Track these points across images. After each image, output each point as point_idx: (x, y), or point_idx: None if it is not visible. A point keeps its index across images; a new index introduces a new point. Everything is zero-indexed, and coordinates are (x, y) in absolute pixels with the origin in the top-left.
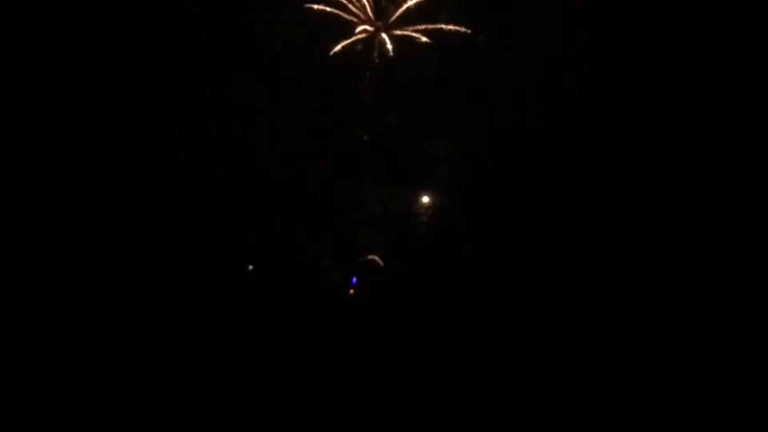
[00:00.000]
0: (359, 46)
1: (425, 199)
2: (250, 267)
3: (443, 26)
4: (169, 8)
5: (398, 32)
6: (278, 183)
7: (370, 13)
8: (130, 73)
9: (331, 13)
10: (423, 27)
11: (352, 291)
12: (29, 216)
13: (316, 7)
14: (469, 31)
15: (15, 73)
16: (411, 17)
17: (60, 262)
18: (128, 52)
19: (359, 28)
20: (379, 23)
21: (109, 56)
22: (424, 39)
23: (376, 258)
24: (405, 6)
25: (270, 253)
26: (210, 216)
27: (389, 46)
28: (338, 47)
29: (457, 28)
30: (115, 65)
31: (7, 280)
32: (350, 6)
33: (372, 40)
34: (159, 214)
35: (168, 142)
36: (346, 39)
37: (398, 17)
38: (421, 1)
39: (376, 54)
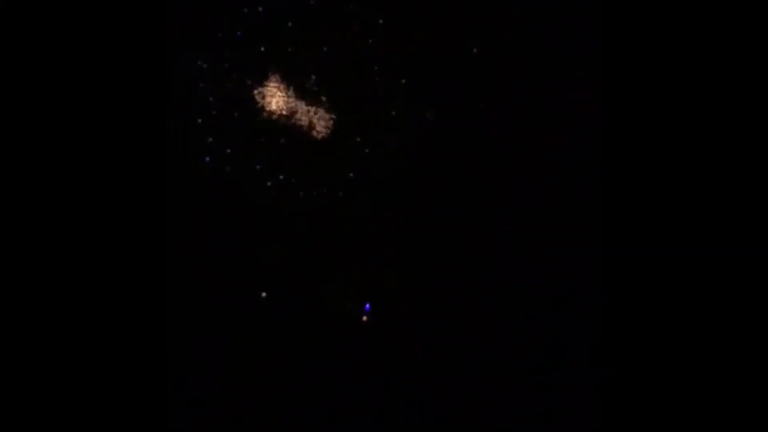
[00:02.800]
0: None
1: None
2: (264, 294)
3: None
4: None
5: None
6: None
7: None
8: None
9: None
10: None
11: (365, 318)
12: (28, 222)
13: None
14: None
15: (15, 73)
16: None
17: (61, 268)
18: (128, 53)
19: None
20: None
21: (109, 58)
22: None
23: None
24: None
25: (282, 278)
26: (215, 237)
27: None
28: None
29: None
30: (115, 68)
31: (7, 281)
32: None
33: None
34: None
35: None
36: None
37: None
38: None
39: None
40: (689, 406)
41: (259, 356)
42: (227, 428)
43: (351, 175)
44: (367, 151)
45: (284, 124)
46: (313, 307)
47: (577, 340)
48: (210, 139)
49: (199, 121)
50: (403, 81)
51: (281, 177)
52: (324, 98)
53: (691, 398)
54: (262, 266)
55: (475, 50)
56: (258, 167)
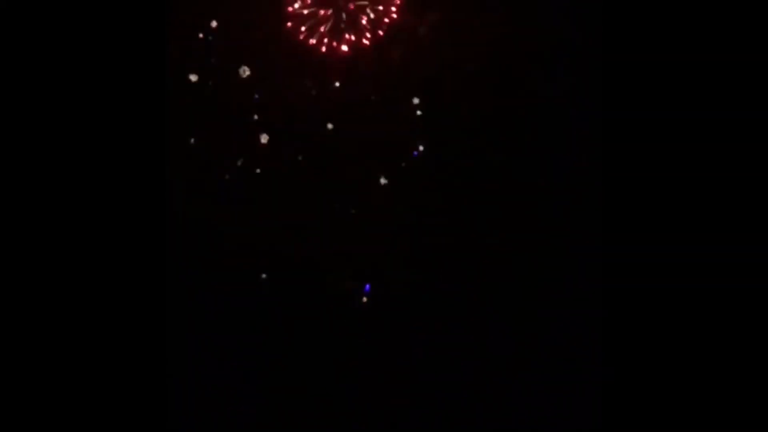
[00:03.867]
0: None
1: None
2: (264, 276)
3: None
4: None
5: None
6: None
7: None
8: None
9: None
10: None
11: (365, 299)
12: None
13: None
14: None
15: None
16: None
17: (61, 266)
18: (129, 54)
19: None
20: None
21: (110, 58)
22: None
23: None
24: None
25: (280, 260)
26: (215, 221)
27: None
28: None
29: None
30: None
31: (8, 281)
32: None
33: None
34: (159, 221)
35: (170, 150)
36: None
37: None
38: None
39: None
40: (689, 406)
41: (258, 349)
42: (227, 424)
43: (354, 171)
44: (369, 149)
45: (291, 117)
46: (314, 296)
47: (577, 340)
48: (210, 135)
49: (200, 114)
50: (404, 80)
51: (281, 172)
52: (336, 85)
53: (691, 398)
54: (263, 255)
55: (475, 50)
56: (259, 161)
